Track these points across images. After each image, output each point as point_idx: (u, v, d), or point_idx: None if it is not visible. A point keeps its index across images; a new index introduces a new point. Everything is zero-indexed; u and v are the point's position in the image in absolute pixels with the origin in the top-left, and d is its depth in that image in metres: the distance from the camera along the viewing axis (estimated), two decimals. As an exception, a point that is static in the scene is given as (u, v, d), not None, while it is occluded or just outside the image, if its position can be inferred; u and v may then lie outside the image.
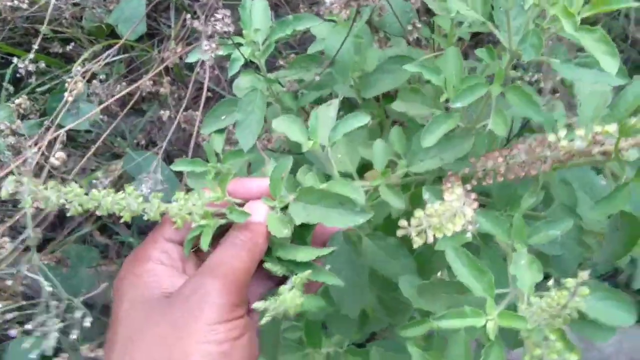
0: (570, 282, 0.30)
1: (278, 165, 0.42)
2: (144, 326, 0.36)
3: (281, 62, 0.76)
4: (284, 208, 0.42)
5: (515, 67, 0.65)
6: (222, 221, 0.40)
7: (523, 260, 0.40)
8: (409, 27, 0.60)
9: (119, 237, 0.96)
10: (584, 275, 0.29)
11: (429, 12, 0.68)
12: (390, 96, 0.66)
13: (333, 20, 0.62)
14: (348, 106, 0.78)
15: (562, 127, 0.53)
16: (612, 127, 0.36)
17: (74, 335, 0.53)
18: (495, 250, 0.47)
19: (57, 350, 0.86)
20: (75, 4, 0.91)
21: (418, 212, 0.32)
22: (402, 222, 0.32)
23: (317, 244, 0.44)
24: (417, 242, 0.32)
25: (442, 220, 0.32)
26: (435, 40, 0.59)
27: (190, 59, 0.55)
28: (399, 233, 0.32)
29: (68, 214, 0.37)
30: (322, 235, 0.45)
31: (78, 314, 0.52)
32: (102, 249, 0.97)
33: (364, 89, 0.60)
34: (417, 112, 0.49)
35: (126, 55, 0.93)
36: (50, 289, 0.52)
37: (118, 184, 0.91)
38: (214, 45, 0.45)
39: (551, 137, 0.39)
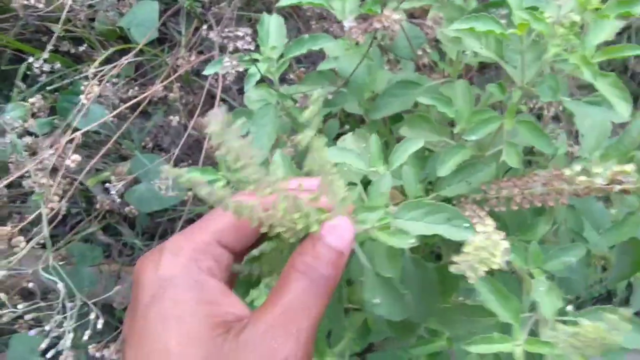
0: (610, 318, 0.31)
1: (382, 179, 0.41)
2: None
3: (291, 76, 0.79)
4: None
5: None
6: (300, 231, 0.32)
7: (542, 287, 0.42)
8: (419, 52, 0.62)
9: (123, 238, 0.98)
10: (628, 313, 0.32)
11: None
12: (397, 115, 0.69)
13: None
14: (353, 122, 0.81)
15: (562, 155, 0.56)
16: (630, 167, 0.39)
17: (85, 336, 0.54)
18: (508, 275, 0.49)
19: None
20: (89, 6, 0.92)
21: (467, 248, 0.33)
22: (456, 258, 0.33)
23: None
24: (472, 278, 0.33)
25: (487, 254, 0.33)
26: (443, 67, 0.61)
27: (208, 71, 0.57)
28: (454, 269, 0.33)
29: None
30: None
31: (92, 316, 0.54)
32: (105, 249, 0.98)
33: (372, 111, 0.63)
34: (427, 139, 0.51)
35: (137, 59, 0.95)
36: (64, 290, 0.54)
37: (125, 186, 0.93)
38: (235, 63, 0.47)
39: (567, 172, 0.42)
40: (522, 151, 0.49)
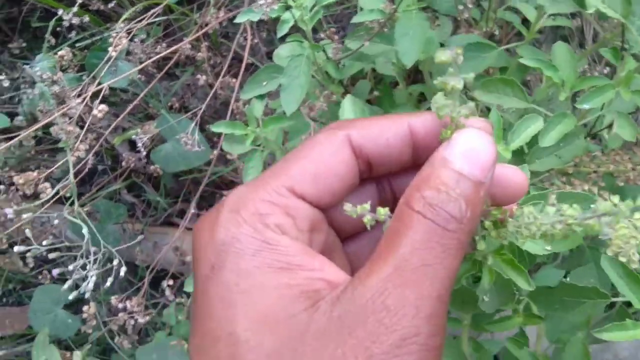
0: None
1: None
2: None
3: (322, 36, 0.76)
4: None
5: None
6: None
7: None
8: (460, 7, 0.59)
9: (147, 197, 0.98)
10: None
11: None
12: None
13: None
14: (386, 87, 0.78)
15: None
16: None
17: (108, 282, 0.54)
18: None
19: (79, 302, 0.89)
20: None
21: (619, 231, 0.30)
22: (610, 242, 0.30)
23: None
24: (634, 262, 0.30)
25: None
26: (486, 23, 0.58)
27: (240, 18, 0.55)
28: (610, 252, 0.30)
29: None
30: None
31: (115, 262, 0.53)
32: (129, 208, 0.98)
33: (438, 75, 0.60)
34: (508, 105, 0.48)
35: (165, 17, 0.94)
36: (88, 235, 0.53)
37: (150, 145, 0.93)
38: (270, 0, 0.45)
39: None
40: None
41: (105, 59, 0.68)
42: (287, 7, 0.55)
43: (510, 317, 0.48)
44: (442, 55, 0.22)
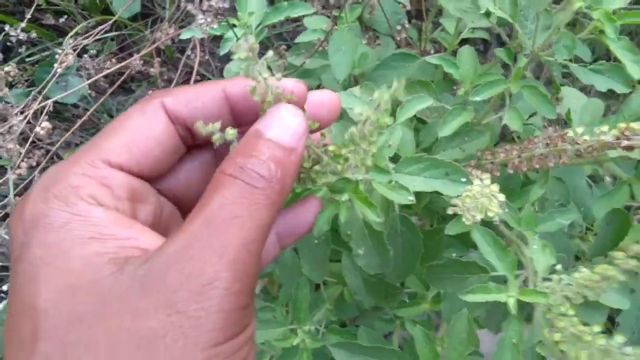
0: (602, 267, 0.33)
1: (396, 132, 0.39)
2: (86, 334, 0.20)
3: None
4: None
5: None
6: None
7: (536, 245, 0.43)
8: (398, 28, 0.62)
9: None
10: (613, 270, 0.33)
11: (418, 16, 0.71)
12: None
13: (327, 16, 0.64)
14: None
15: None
16: (638, 124, 0.40)
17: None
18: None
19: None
20: (71, -22, 0.91)
21: (467, 193, 0.35)
22: (454, 201, 0.34)
23: (288, 241, 0.30)
24: (469, 220, 0.35)
25: (485, 201, 0.35)
26: (422, 42, 0.61)
27: (184, 35, 0.56)
28: (451, 210, 0.35)
29: None
30: (292, 233, 0.30)
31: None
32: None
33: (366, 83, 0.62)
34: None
35: (118, 32, 0.94)
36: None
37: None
38: (209, 19, 0.46)
39: (571, 133, 0.43)
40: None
41: (51, 74, 0.67)
42: (232, 25, 0.56)
43: (418, 302, 0.51)
44: (240, 50, 0.24)
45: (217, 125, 0.24)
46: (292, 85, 0.26)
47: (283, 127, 0.24)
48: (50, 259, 0.21)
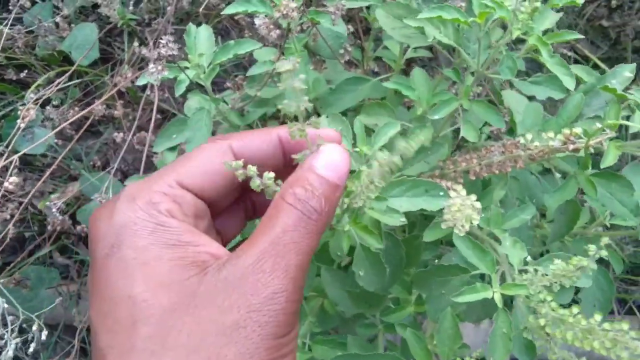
0: (576, 259, 0.38)
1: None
2: (181, 321, 0.25)
3: (229, 85, 0.81)
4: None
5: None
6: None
7: (508, 241, 0.48)
8: (341, 51, 0.66)
9: (78, 257, 0.98)
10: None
11: (360, 37, 0.75)
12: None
13: (276, 45, 0.68)
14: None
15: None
16: (579, 130, 0.45)
17: (31, 348, 0.55)
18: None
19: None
20: (28, 32, 0.93)
21: (452, 207, 0.39)
22: (446, 217, 0.39)
23: None
24: (461, 230, 0.39)
25: (468, 213, 0.39)
26: (366, 62, 0.65)
27: (140, 82, 0.59)
28: (444, 225, 0.39)
29: None
30: None
31: (34, 327, 0.54)
32: (62, 270, 0.98)
33: (325, 108, 0.66)
34: (383, 123, 0.55)
35: (80, 80, 0.96)
36: (6, 305, 0.54)
37: (75, 205, 0.94)
38: (159, 68, 0.49)
39: (522, 140, 0.48)
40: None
41: (15, 129, 0.70)
42: (184, 68, 0.59)
43: (403, 307, 0.55)
44: (285, 65, 0.28)
45: (254, 169, 0.29)
46: (330, 133, 0.32)
47: (332, 165, 0.29)
48: (143, 259, 0.26)
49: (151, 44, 0.73)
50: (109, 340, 0.25)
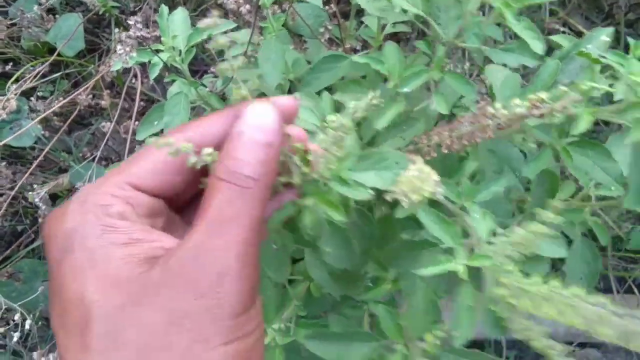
0: (534, 225, 0.37)
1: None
2: (131, 317, 0.25)
3: (212, 70, 0.81)
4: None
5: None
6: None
7: (477, 213, 0.47)
8: (321, 30, 0.65)
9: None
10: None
11: (341, 15, 0.73)
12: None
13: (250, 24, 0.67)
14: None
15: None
16: (544, 95, 0.44)
17: (15, 337, 0.55)
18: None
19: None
20: (12, 24, 0.93)
21: (402, 179, 0.38)
22: (392, 188, 0.38)
23: None
24: (406, 203, 0.38)
25: (419, 184, 0.38)
26: (345, 40, 0.64)
27: (114, 67, 0.58)
28: (390, 197, 0.38)
29: None
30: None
31: (16, 317, 0.55)
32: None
33: (304, 87, 0.65)
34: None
35: (66, 71, 0.96)
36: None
37: (67, 196, 0.94)
38: (127, 49, 0.48)
39: (491, 109, 0.46)
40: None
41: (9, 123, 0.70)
42: (157, 51, 0.58)
43: (379, 285, 0.54)
44: (205, 22, 0.27)
45: (190, 146, 0.27)
46: (283, 101, 0.30)
47: (258, 125, 0.27)
48: (94, 260, 0.26)
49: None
50: (66, 340, 0.26)
